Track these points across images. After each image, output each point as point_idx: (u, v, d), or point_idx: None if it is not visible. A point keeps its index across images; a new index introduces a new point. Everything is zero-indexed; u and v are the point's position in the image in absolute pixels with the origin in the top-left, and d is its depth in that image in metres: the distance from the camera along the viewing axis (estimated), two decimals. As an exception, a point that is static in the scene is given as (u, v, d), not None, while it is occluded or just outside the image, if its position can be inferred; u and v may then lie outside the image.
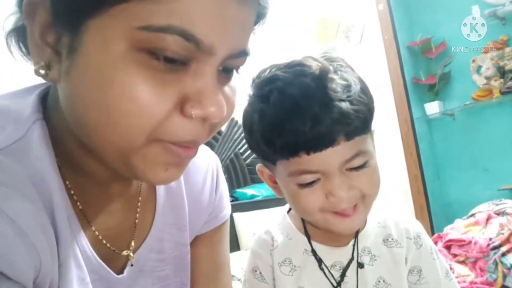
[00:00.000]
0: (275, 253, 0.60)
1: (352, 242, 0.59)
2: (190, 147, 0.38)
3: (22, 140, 0.38)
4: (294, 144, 0.49)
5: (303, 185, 0.52)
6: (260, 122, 0.52)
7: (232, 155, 2.79)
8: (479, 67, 2.18)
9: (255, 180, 2.77)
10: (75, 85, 0.34)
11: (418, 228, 0.62)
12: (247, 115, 0.56)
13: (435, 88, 2.32)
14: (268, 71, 0.55)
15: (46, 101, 0.43)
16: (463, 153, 2.27)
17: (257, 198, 2.58)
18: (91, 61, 0.33)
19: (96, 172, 0.43)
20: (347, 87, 0.49)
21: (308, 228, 0.61)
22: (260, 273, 0.61)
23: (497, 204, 1.64)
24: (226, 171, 2.78)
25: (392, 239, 0.60)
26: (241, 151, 2.83)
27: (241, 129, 2.87)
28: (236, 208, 2.46)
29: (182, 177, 0.56)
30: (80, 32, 0.33)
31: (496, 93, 2.11)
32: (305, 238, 0.60)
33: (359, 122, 0.49)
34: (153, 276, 0.52)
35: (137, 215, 0.51)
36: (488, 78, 2.15)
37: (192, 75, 0.35)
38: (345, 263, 0.58)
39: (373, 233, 0.60)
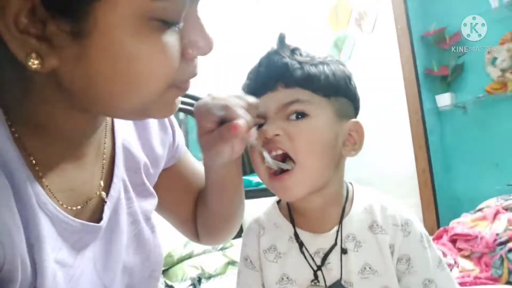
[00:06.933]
0: (262, 240, 0.62)
1: (335, 228, 0.59)
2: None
3: None
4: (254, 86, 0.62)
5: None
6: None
7: (239, 142, 2.77)
8: (494, 58, 2.12)
9: (261, 168, 2.75)
10: (93, 66, 0.36)
11: (406, 215, 0.60)
12: None
13: (448, 80, 2.27)
14: None
15: None
16: (474, 147, 2.23)
17: (262, 186, 2.57)
18: (110, 41, 0.35)
19: (65, 132, 0.44)
20: (308, 57, 0.59)
21: (294, 215, 0.62)
22: (251, 261, 0.62)
23: (506, 200, 1.62)
24: (233, 158, 2.77)
25: (377, 225, 0.58)
26: (248, 138, 2.81)
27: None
28: (241, 195, 2.47)
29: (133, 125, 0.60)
30: (88, 15, 0.33)
31: (511, 86, 2.06)
32: (291, 226, 0.61)
33: (300, 74, 0.56)
34: (127, 212, 0.55)
35: (104, 161, 0.53)
36: (503, 71, 2.09)
37: (184, 21, 0.40)
38: (328, 249, 0.58)
39: (359, 219, 0.59)
